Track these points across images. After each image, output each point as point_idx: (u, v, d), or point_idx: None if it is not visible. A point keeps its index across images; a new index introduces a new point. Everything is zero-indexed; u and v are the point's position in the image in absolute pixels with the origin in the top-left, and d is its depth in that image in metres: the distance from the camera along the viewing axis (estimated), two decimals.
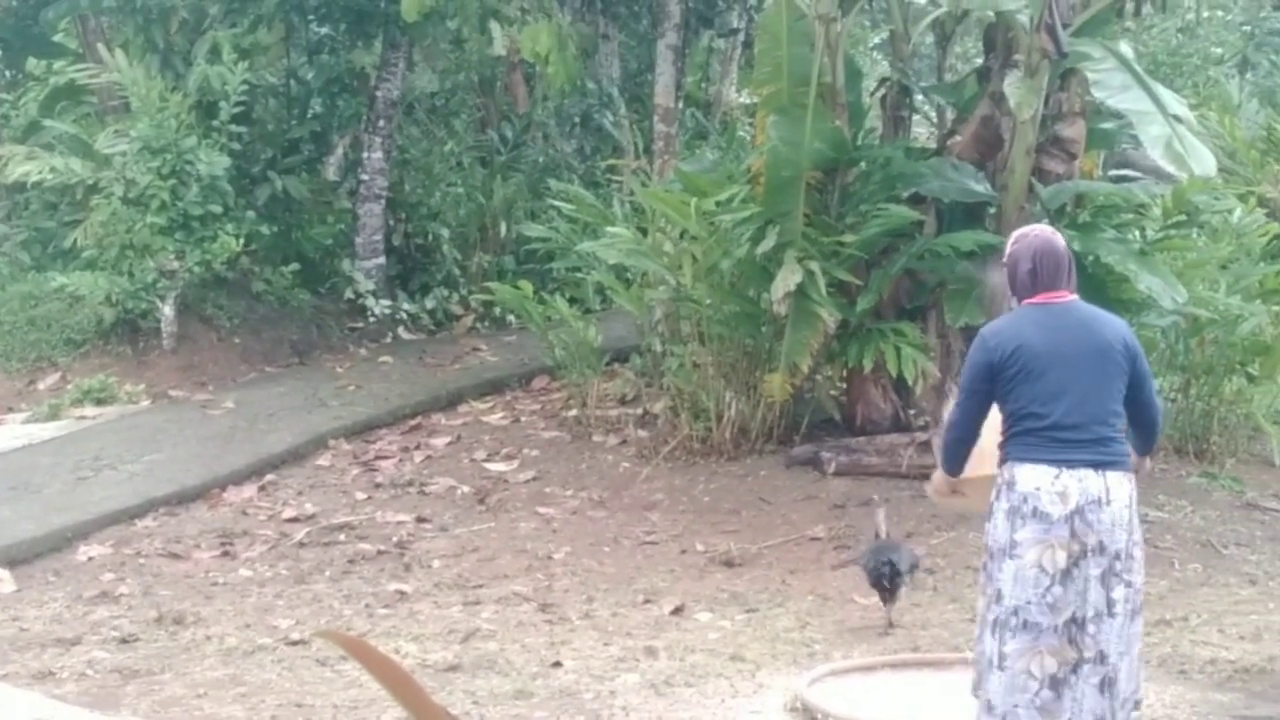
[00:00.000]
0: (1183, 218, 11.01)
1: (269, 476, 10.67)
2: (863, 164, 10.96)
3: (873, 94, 12.01)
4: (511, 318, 14.11)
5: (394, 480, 10.68)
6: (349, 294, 14.34)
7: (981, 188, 10.59)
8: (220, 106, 13.05)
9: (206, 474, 10.49)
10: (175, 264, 12.64)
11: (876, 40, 18.92)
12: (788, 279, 10.25)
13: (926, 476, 9.96)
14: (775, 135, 10.52)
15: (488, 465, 11.03)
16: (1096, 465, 5.47)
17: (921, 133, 14.13)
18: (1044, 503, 5.45)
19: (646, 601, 8.42)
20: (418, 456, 11.23)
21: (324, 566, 9.08)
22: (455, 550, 9.36)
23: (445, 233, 14.99)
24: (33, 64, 15.05)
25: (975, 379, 5.64)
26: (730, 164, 11.90)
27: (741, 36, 17.96)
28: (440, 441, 11.55)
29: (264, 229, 13.49)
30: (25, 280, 13.63)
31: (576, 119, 17.09)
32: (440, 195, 15.17)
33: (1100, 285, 9.86)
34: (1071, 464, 5.45)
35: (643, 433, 11.28)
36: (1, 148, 13.99)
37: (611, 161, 14.80)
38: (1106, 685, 5.49)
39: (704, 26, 17.75)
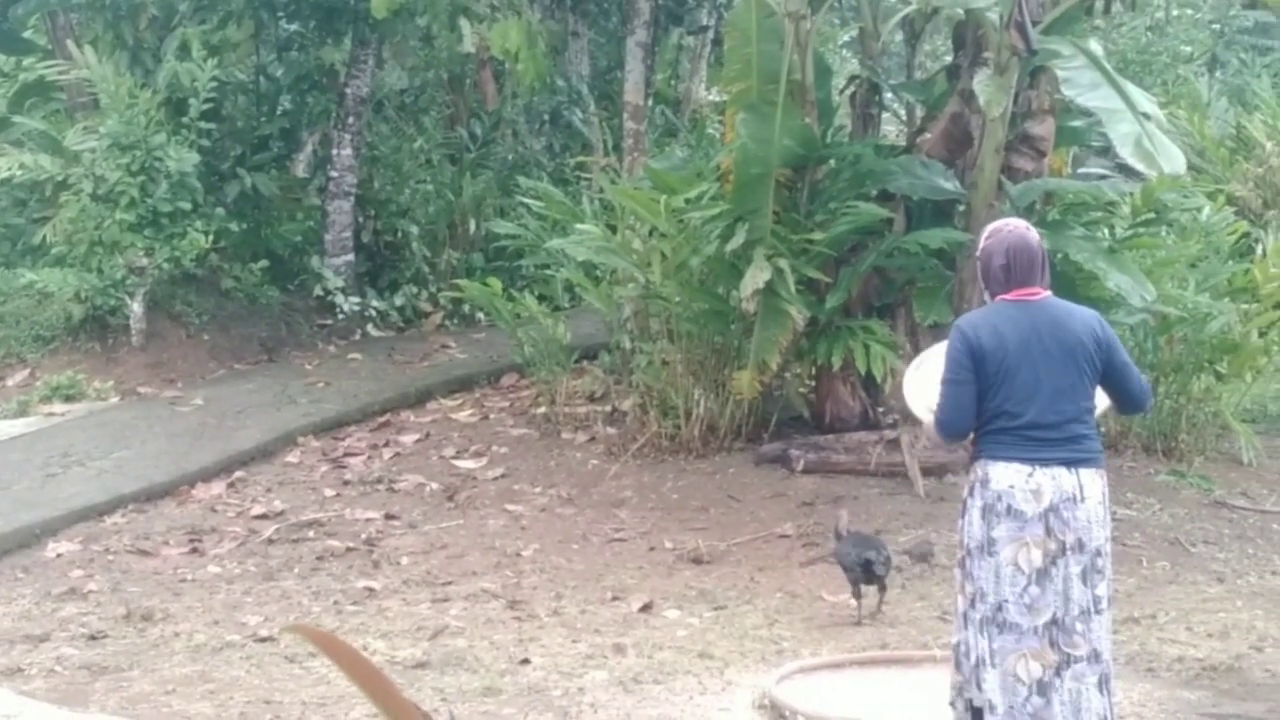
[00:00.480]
0: (1152, 216, 11.04)
1: (238, 473, 10.64)
2: (832, 161, 10.97)
3: (842, 91, 12.03)
4: (481, 315, 14.09)
5: (363, 477, 10.66)
6: (318, 291, 14.30)
7: (951, 185, 10.61)
8: (189, 103, 13.00)
9: (175, 471, 10.46)
10: (144, 261, 12.59)
11: (846, 38, 18.94)
12: (757, 276, 10.25)
13: (895, 474, 10.08)
14: (744, 132, 10.52)
15: (456, 462, 11.01)
16: (1069, 463, 5.49)
17: (891, 130, 14.14)
18: (1018, 501, 5.46)
19: (615, 599, 8.42)
20: (386, 454, 11.21)
21: (293, 563, 9.06)
22: (424, 547, 9.34)
23: (414, 230, 14.96)
24: (1, 60, 14.97)
25: (960, 367, 5.62)
26: (699, 161, 11.89)
27: (711, 34, 17.96)
28: (409, 439, 11.53)
29: (233, 226, 13.45)
30: None
31: (546, 116, 17.07)
32: (410, 192, 15.15)
33: (1069, 283, 9.88)
34: (1045, 462, 5.47)
35: (611, 430, 11.28)
36: None
37: (581, 159, 14.79)
38: (1104, 683, 5.50)
39: (674, 24, 17.75)
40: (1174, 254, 11.32)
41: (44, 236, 13.26)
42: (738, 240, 10.41)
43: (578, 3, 17.24)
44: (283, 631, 7.63)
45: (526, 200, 12.72)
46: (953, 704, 5.75)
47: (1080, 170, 11.75)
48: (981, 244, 5.81)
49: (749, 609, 8.26)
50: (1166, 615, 8.14)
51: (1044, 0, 10.50)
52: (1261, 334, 11.34)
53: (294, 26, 14.60)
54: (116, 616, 8.06)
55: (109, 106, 12.81)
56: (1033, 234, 5.76)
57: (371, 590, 8.57)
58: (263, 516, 9.86)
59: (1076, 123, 11.03)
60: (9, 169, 13.17)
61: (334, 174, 14.50)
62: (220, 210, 13.39)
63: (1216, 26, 20.11)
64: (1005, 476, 5.49)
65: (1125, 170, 10.51)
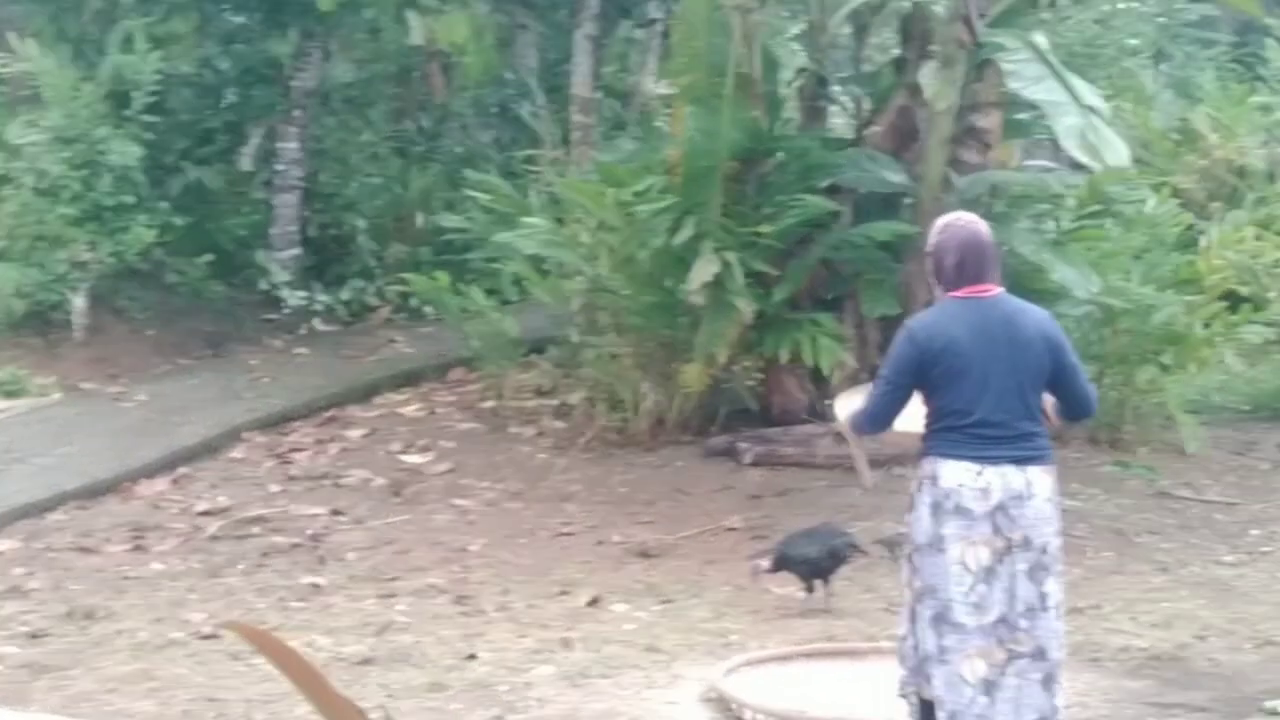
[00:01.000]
0: (1097, 208, 11.10)
1: (182, 469, 10.55)
2: (780, 154, 10.98)
3: (790, 84, 12.03)
4: (428, 309, 14.01)
5: (308, 473, 10.59)
6: (263, 285, 14.20)
7: (898, 178, 10.64)
8: (133, 96, 12.87)
9: (118, 467, 10.36)
10: (87, 255, 12.47)
11: (794, 31, 18.94)
12: (704, 269, 10.25)
13: (843, 467, 10.08)
14: (692, 125, 10.52)
15: (403, 457, 10.95)
16: (1018, 461, 5.46)
17: (839, 123, 14.14)
18: (966, 499, 5.44)
19: (562, 593, 8.39)
20: (333, 449, 11.14)
21: (237, 560, 8.99)
22: (370, 543, 9.29)
23: (361, 223, 14.86)
24: None
25: (901, 372, 5.60)
26: (647, 154, 11.87)
27: (660, 27, 17.89)
28: (355, 433, 11.46)
29: (177, 220, 13.33)
30: None
31: (494, 109, 16.99)
32: (356, 186, 15.04)
33: (1015, 276, 9.89)
34: (994, 460, 5.45)
35: (559, 424, 11.25)
36: None
37: (529, 152, 14.73)
38: (1049, 682, 5.49)
39: (622, 17, 17.67)
40: (1119, 246, 11.38)
41: None
42: (685, 233, 10.40)
43: None
44: (219, 628, 7.57)
45: (474, 193, 12.66)
46: (905, 697, 5.74)
47: (1027, 163, 11.79)
48: (933, 240, 5.70)
49: (697, 602, 8.25)
50: (1111, 605, 8.18)
51: None
52: (1206, 325, 11.41)
53: (239, 19, 14.48)
54: (58, 615, 7.97)
55: (51, 100, 12.68)
56: (985, 229, 5.68)
57: (317, 586, 8.52)
58: (207, 513, 9.78)
59: (1023, 116, 11.08)
60: None
61: (280, 167, 14.40)
62: (164, 204, 13.27)
63: (1162, 20, 20.18)
64: (954, 475, 5.47)
65: (1073, 163, 10.56)
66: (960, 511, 5.44)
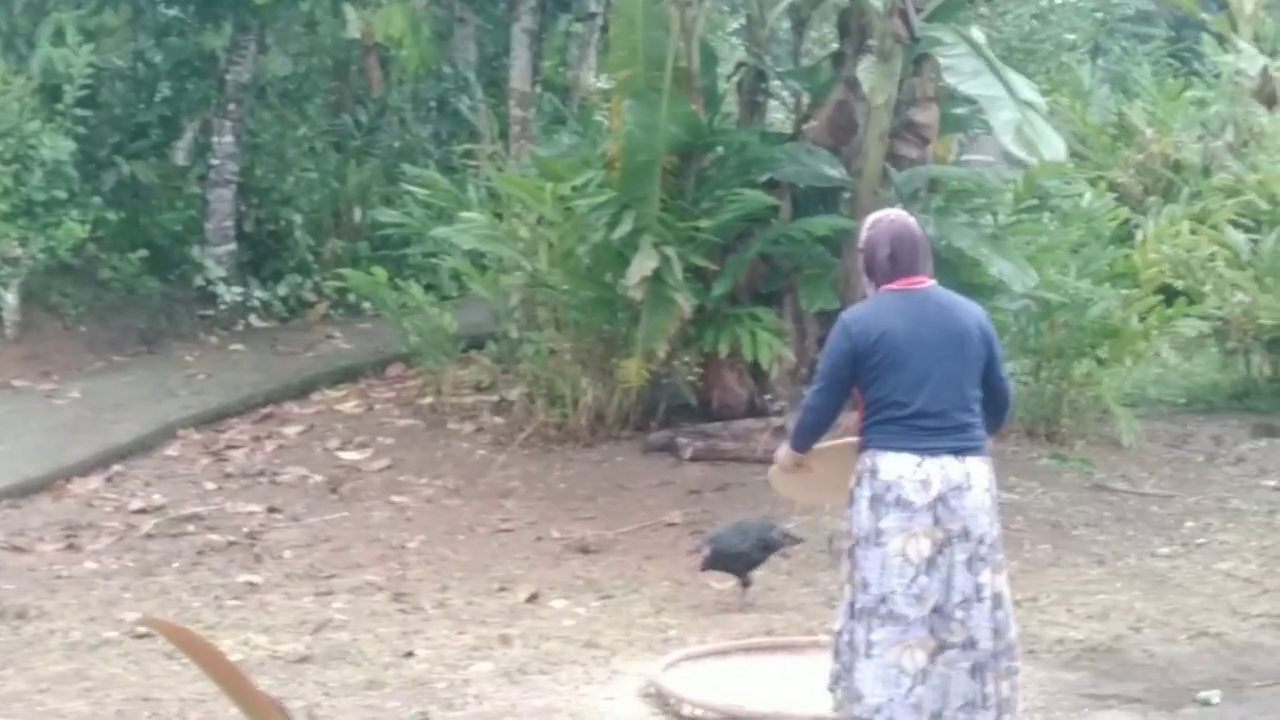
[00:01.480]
0: (1034, 202, 11.15)
1: (116, 467, 10.44)
2: (719, 149, 10.97)
3: (729, 79, 12.03)
4: (366, 305, 13.93)
5: (245, 470, 10.50)
6: (199, 281, 14.07)
7: (836, 173, 10.65)
8: (65, 90, 12.73)
9: (51, 465, 10.24)
10: (18, 251, 12.32)
11: (734, 25, 18.96)
12: (643, 264, 10.23)
13: None
14: (631, 120, 10.50)
15: (341, 454, 10.88)
16: (957, 452, 5.48)
17: (778, 118, 14.18)
18: (907, 491, 5.45)
19: (501, 589, 8.36)
20: (269, 446, 11.05)
21: (172, 558, 8.90)
22: (307, 540, 9.23)
23: (298, 218, 14.76)
24: None
25: (837, 366, 5.62)
26: (586, 149, 11.85)
27: (599, 21, 17.89)
28: (292, 430, 11.38)
29: (111, 215, 13.19)
30: None
31: (432, 103, 16.93)
32: (293, 180, 14.94)
33: (953, 270, 9.93)
34: (933, 451, 5.46)
35: (498, 420, 11.21)
36: None
37: (468, 146, 14.67)
38: (977, 671, 5.50)
39: (561, 10, 17.65)
40: (1056, 240, 11.43)
41: None
42: (624, 228, 10.38)
43: None
44: (137, 624, 7.51)
45: (412, 188, 12.59)
46: (832, 690, 5.75)
47: (964, 156, 11.84)
48: (864, 235, 5.76)
49: (636, 598, 8.24)
50: (1048, 597, 8.21)
51: None
52: (1141, 319, 11.48)
53: (173, 11, 14.33)
54: None
55: None
56: (914, 223, 5.76)
57: (253, 584, 8.45)
58: (141, 511, 9.69)
59: (960, 110, 11.11)
60: None
61: (215, 162, 14.28)
62: (97, 199, 13.13)
63: (1099, 15, 20.33)
64: (894, 467, 5.48)
65: (1011, 157, 10.61)
66: (901, 504, 5.44)
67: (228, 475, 10.42)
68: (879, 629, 5.47)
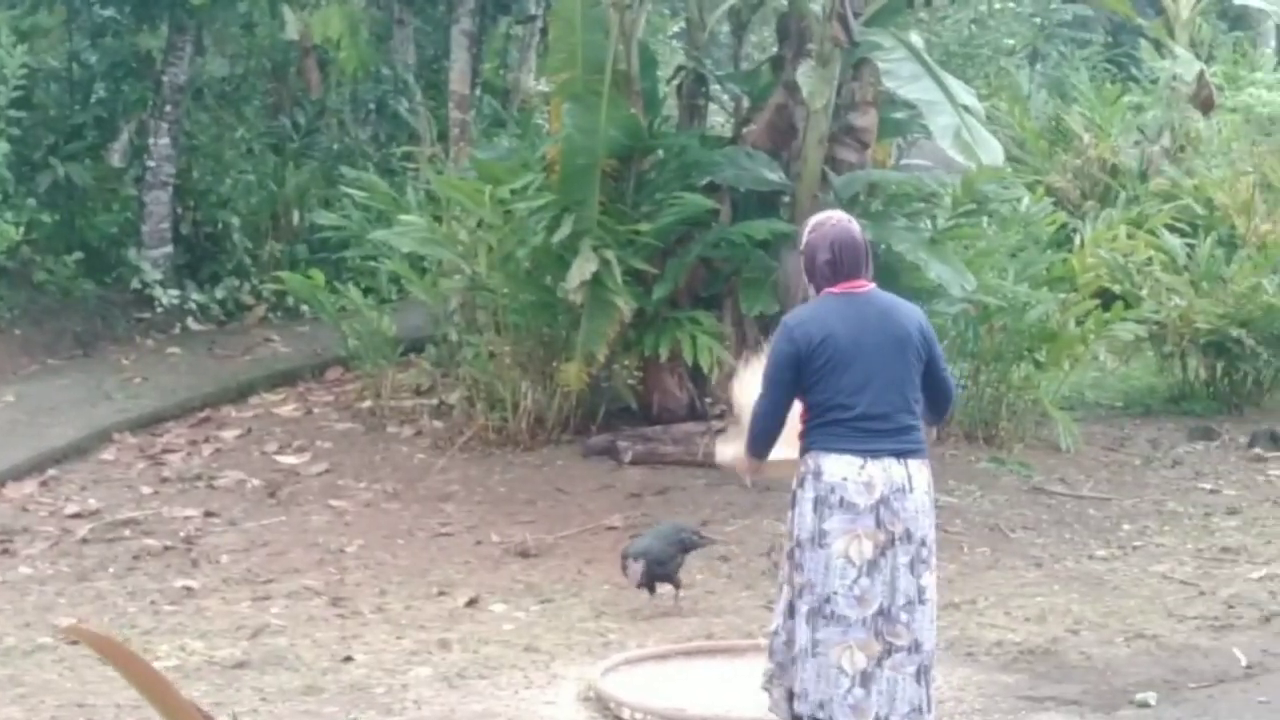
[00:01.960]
0: (972, 206, 11.19)
1: (50, 471, 10.32)
2: (659, 152, 10.97)
3: (669, 82, 12.03)
4: (305, 308, 13.83)
5: (181, 474, 10.41)
6: (135, 284, 13.93)
7: (776, 176, 10.67)
8: None
9: None
10: None
11: (674, 29, 18.98)
12: (583, 268, 10.21)
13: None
14: (570, 123, 10.47)
15: (279, 458, 10.80)
16: (899, 454, 5.51)
17: (718, 121, 14.18)
18: (850, 493, 5.47)
19: (440, 594, 8.33)
20: (206, 450, 10.96)
21: (108, 563, 8.82)
22: (244, 545, 9.16)
23: (236, 221, 14.65)
24: None
25: (781, 369, 5.63)
26: (526, 152, 11.81)
27: (539, 23, 17.86)
28: (230, 434, 11.29)
29: (45, 217, 13.07)
30: None
31: (371, 105, 16.83)
32: (231, 182, 14.82)
33: (892, 274, 9.96)
34: (876, 454, 5.49)
35: (438, 423, 11.16)
36: None
37: (407, 149, 14.61)
38: (922, 674, 5.53)
39: (501, 13, 17.60)
40: (994, 244, 11.49)
41: None
42: (564, 231, 10.35)
43: None
44: (61, 633, 7.43)
45: (351, 191, 12.52)
46: (767, 690, 5.77)
47: (903, 161, 11.87)
48: (805, 238, 5.79)
49: (576, 602, 8.23)
50: (986, 600, 8.25)
51: None
52: (1079, 322, 11.56)
53: (109, 12, 14.20)
54: None
55: None
56: (855, 226, 5.80)
57: (190, 589, 8.38)
58: (77, 515, 9.58)
59: (899, 115, 11.15)
60: None
61: (151, 164, 14.15)
62: (31, 201, 13.00)
63: (1037, 20, 20.49)
64: (838, 469, 5.50)
65: (949, 161, 10.64)
66: (845, 506, 5.47)
67: (164, 479, 10.32)
68: (823, 629, 5.50)
